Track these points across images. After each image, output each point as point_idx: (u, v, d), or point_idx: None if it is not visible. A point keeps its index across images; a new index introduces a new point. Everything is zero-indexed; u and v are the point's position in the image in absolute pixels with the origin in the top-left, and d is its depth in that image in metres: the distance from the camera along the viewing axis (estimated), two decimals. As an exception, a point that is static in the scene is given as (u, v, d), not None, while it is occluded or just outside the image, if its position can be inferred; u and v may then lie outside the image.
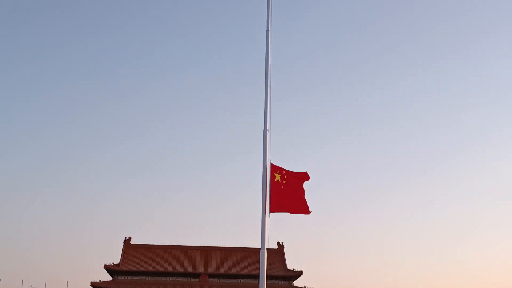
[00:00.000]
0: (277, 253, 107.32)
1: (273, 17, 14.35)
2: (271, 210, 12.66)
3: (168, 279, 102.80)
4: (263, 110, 13.47)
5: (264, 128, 13.39)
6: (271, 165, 12.94)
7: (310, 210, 12.88)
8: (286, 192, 12.84)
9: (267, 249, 12.43)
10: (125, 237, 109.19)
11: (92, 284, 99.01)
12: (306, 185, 13.07)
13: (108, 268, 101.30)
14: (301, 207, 12.89)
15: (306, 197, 12.94)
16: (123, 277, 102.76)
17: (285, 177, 12.96)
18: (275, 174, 12.95)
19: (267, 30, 13.98)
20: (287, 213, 12.85)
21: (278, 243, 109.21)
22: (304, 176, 13.06)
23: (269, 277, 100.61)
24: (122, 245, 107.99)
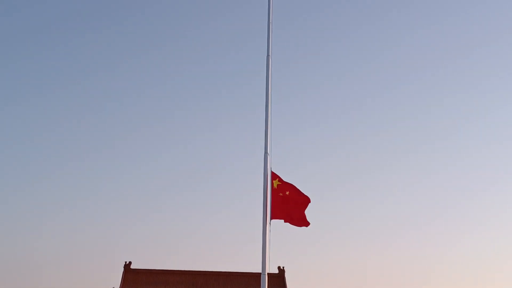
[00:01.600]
0: (278, 278, 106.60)
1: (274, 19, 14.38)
2: (271, 217, 12.77)
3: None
4: (264, 134, 13.48)
5: (265, 153, 13.38)
6: (272, 173, 13.06)
7: (308, 222, 12.92)
8: (285, 201, 12.94)
9: (268, 274, 12.36)
10: (125, 262, 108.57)
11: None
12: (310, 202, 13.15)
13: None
14: (300, 220, 12.92)
15: (307, 212, 13.02)
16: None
17: (283, 186, 13.03)
18: (274, 181, 13.02)
19: (267, 55, 14.02)
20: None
21: (279, 267, 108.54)
22: (305, 200, 13.10)
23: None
24: (122, 269, 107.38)
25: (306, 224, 12.80)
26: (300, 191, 13.07)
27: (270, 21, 14.19)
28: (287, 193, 13.07)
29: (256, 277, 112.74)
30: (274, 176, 13.14)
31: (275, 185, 13.07)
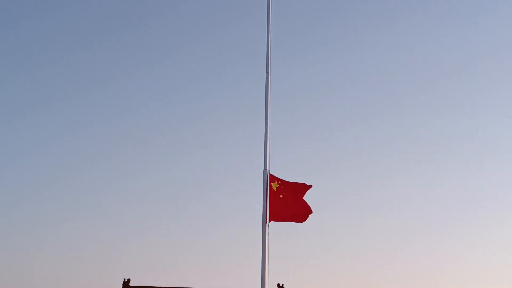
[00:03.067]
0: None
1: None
2: (270, 219, 12.84)
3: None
4: (263, 152, 13.50)
5: (264, 169, 13.39)
6: (270, 175, 13.08)
7: (308, 214, 13.06)
8: (286, 201, 13.05)
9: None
10: (124, 279, 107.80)
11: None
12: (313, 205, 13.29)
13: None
14: (302, 215, 13.07)
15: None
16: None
17: (282, 186, 13.08)
18: (272, 184, 13.07)
19: (267, 72, 14.07)
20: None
21: (278, 285, 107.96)
22: (305, 187, 13.16)
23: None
24: (121, 287, 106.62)
25: (310, 212, 13.01)
26: (299, 183, 13.20)
27: (270, 38, 14.27)
28: (283, 195, 13.15)
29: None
30: (273, 179, 13.14)
31: (274, 188, 13.12)
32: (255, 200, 13.29)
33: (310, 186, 13.22)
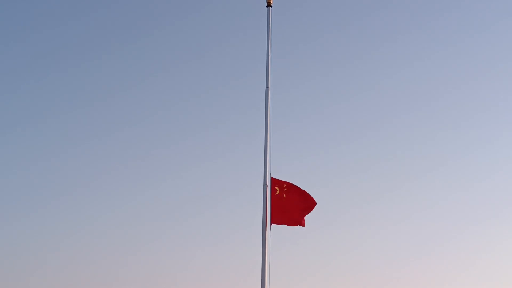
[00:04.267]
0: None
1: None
2: (272, 222, 12.85)
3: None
4: (263, 168, 13.43)
5: (264, 185, 13.33)
6: (272, 179, 13.07)
7: (312, 207, 13.13)
8: (287, 204, 13.07)
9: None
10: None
11: None
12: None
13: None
14: (299, 219, 13.11)
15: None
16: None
17: (285, 189, 13.08)
18: (276, 187, 13.07)
19: (267, 87, 14.02)
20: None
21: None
22: (311, 204, 13.17)
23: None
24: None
25: (302, 224, 13.00)
26: (307, 194, 13.15)
27: (270, 53, 14.24)
28: (284, 195, 13.17)
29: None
30: (275, 182, 13.11)
31: (277, 192, 13.10)
32: (256, 217, 13.29)
33: (315, 203, 13.21)
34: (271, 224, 12.88)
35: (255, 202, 13.62)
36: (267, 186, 13.14)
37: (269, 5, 14.36)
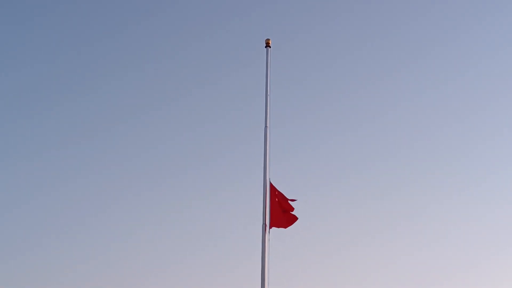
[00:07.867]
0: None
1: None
2: (271, 225, 13.25)
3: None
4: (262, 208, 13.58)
5: (263, 224, 13.50)
6: (271, 185, 13.45)
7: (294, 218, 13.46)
8: (280, 208, 13.56)
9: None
10: None
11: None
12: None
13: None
14: (288, 219, 13.55)
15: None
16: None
17: (277, 196, 13.59)
18: (275, 193, 13.53)
19: (266, 126, 14.11)
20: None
21: None
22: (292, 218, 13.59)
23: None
24: None
25: (284, 226, 13.43)
26: (286, 198, 13.60)
27: (268, 93, 14.32)
28: (277, 199, 13.51)
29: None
30: (273, 189, 13.51)
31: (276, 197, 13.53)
32: (255, 229, 13.66)
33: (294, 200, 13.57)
34: (270, 228, 13.14)
35: (255, 203, 13.98)
36: (266, 191, 13.37)
37: (267, 45, 14.50)
